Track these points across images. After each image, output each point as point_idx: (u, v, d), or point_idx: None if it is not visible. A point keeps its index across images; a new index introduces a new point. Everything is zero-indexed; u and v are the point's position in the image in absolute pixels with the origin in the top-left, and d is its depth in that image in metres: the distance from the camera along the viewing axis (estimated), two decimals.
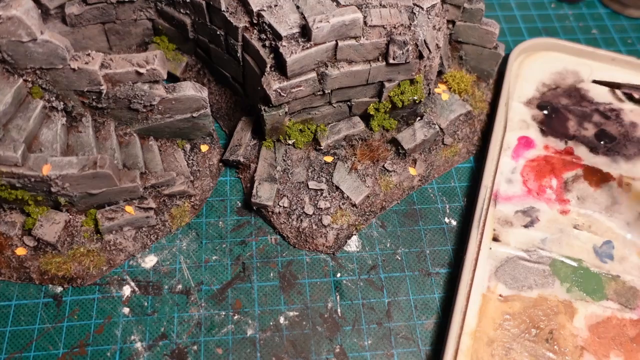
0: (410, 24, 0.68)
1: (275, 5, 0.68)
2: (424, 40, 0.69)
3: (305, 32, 0.65)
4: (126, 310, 0.66)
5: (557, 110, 0.85)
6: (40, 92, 0.65)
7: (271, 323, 0.66)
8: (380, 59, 0.69)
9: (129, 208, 0.68)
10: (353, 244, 0.72)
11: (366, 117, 0.77)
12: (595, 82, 0.83)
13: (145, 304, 0.66)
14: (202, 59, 0.85)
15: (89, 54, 0.63)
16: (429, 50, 0.70)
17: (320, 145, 0.75)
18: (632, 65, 0.90)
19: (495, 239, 0.71)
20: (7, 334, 0.64)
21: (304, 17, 0.65)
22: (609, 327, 0.66)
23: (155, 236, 0.71)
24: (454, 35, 0.83)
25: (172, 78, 0.84)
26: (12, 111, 0.62)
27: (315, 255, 0.71)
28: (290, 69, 0.66)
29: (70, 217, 0.68)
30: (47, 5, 0.74)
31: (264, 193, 0.71)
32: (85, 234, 0.68)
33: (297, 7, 0.67)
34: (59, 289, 0.67)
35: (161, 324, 0.65)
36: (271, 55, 0.68)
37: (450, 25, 0.82)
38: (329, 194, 0.73)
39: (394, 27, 0.67)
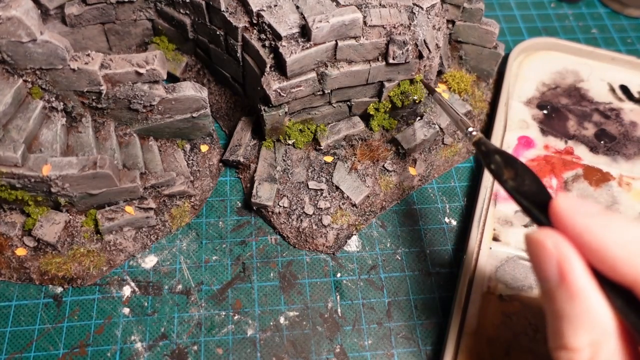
0: (410, 24, 0.68)
1: (275, 5, 0.68)
2: (424, 40, 0.69)
3: (305, 32, 0.65)
4: (126, 310, 0.66)
5: (557, 110, 0.85)
6: (40, 93, 0.65)
7: (271, 323, 0.66)
8: (380, 59, 0.69)
9: (129, 208, 0.68)
10: (353, 244, 0.72)
11: (366, 117, 0.77)
12: None
13: (146, 304, 0.66)
14: (202, 59, 0.85)
15: (88, 54, 0.63)
16: (429, 50, 0.70)
17: (320, 145, 0.75)
18: (632, 64, 0.90)
19: (495, 238, 0.71)
20: (7, 334, 0.64)
21: (304, 17, 0.65)
22: None
23: (155, 236, 0.71)
24: (454, 35, 0.83)
25: (172, 78, 0.84)
26: (12, 111, 0.62)
27: (315, 255, 0.71)
28: (290, 69, 0.66)
29: (70, 217, 0.68)
30: (47, 5, 0.74)
31: (264, 193, 0.71)
32: (85, 234, 0.68)
33: (297, 7, 0.67)
34: (59, 290, 0.67)
35: (161, 324, 0.65)
36: (271, 55, 0.68)
37: (450, 25, 0.82)
38: (329, 194, 0.73)
39: (394, 27, 0.67)
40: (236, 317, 0.66)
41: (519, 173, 0.48)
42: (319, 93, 0.72)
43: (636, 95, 0.87)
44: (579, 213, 0.41)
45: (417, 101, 0.74)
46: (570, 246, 0.41)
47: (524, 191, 0.47)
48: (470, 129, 0.61)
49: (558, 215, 0.42)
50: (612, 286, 0.40)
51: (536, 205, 0.46)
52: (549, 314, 0.43)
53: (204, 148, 0.77)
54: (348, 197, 0.73)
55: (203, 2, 0.73)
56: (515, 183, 0.48)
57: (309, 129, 0.76)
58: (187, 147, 0.76)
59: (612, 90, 0.88)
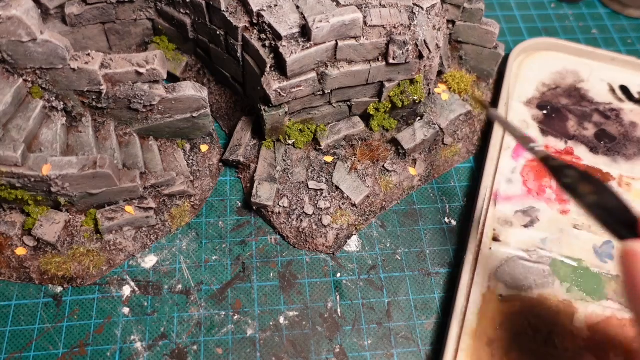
0: (410, 24, 0.68)
1: (275, 5, 0.68)
2: (424, 40, 0.69)
3: (305, 32, 0.65)
4: (126, 310, 0.66)
5: (557, 110, 0.85)
6: (40, 92, 0.65)
7: (271, 323, 0.66)
8: (380, 59, 0.69)
9: (129, 208, 0.68)
10: (353, 244, 0.72)
11: (366, 117, 0.77)
12: None
13: (145, 304, 0.66)
14: (202, 59, 0.85)
15: (89, 54, 0.63)
16: (429, 50, 0.70)
17: (320, 145, 0.75)
18: (632, 65, 0.90)
19: (495, 239, 0.71)
20: (7, 334, 0.63)
21: (304, 17, 0.65)
22: (609, 326, 0.66)
23: (155, 236, 0.71)
24: (454, 35, 0.83)
25: (172, 78, 0.84)
26: (12, 111, 0.62)
27: (315, 255, 0.71)
28: (290, 69, 0.66)
29: (70, 217, 0.68)
30: (47, 5, 0.74)
31: (264, 193, 0.71)
32: (85, 234, 0.68)
33: (297, 7, 0.67)
34: (59, 289, 0.67)
35: (161, 324, 0.65)
36: (271, 55, 0.68)
37: (450, 25, 0.82)
38: (329, 194, 0.73)
39: (394, 27, 0.67)
40: (236, 317, 0.66)
41: (598, 189, 0.48)
42: (319, 93, 0.72)
43: (636, 95, 0.87)
44: None
45: (417, 101, 0.74)
46: None
47: (605, 205, 0.47)
48: (532, 145, 0.59)
49: None
50: None
51: (619, 219, 0.46)
52: None
53: (204, 148, 0.77)
54: (348, 197, 0.73)
55: (203, 2, 0.73)
56: (595, 197, 0.48)
57: (309, 129, 0.76)
58: (187, 147, 0.76)
59: (612, 90, 0.88)
